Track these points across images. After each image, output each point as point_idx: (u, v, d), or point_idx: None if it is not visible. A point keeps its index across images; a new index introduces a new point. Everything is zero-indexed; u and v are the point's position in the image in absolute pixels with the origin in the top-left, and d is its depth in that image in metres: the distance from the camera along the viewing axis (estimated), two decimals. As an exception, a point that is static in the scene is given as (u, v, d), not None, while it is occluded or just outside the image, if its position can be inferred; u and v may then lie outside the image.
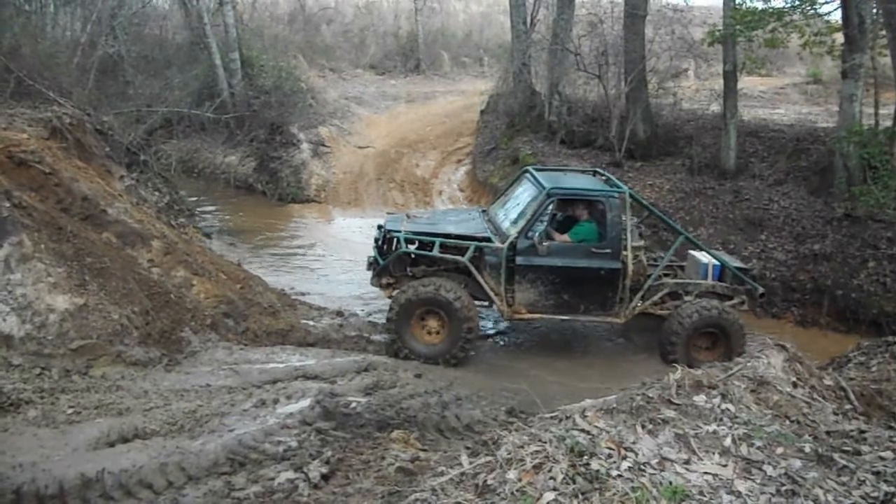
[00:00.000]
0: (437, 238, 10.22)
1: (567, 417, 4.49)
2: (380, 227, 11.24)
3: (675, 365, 8.81)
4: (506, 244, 10.04)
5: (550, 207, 10.61)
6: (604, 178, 11.59)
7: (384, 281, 10.48)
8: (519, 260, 10.12)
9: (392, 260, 10.29)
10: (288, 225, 17.77)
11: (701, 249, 11.30)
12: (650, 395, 4.81)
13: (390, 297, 10.33)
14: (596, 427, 4.28)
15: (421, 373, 9.33)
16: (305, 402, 7.86)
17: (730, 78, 16.65)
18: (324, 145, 22.15)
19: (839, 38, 15.72)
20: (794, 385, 5.47)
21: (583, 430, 4.23)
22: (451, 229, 10.51)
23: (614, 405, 4.70)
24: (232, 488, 6.22)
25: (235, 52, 22.59)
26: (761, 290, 11.14)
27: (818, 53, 17.93)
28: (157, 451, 6.61)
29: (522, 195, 10.92)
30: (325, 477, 6.34)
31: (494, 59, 31.45)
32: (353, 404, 7.89)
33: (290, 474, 6.43)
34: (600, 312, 10.49)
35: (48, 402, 7.35)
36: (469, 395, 8.83)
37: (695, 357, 10.19)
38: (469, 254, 10.04)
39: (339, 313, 11.26)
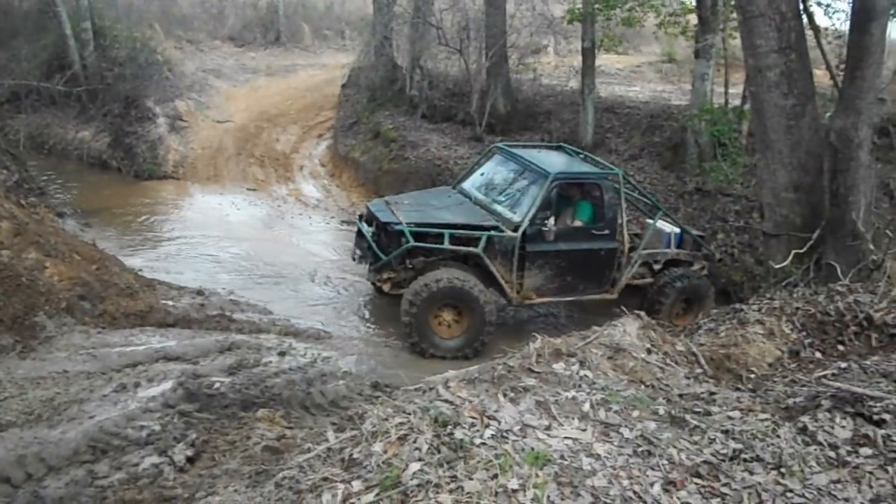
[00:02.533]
0: (444, 230, 10.06)
1: (430, 389, 4.56)
2: (361, 216, 11.26)
3: None
4: (519, 232, 10.12)
5: (555, 192, 10.48)
6: (581, 155, 12.01)
7: (386, 276, 10.30)
8: (529, 247, 10.26)
9: (397, 255, 10.01)
10: (145, 202, 17.23)
11: (669, 220, 11.95)
12: (511, 364, 4.95)
13: (390, 292, 10.37)
14: (459, 397, 4.36)
15: (284, 350, 9.27)
16: (167, 385, 7.72)
17: (588, 55, 17.08)
18: (181, 119, 21.52)
19: (693, 19, 16.34)
20: (649, 351, 5.72)
21: (446, 401, 4.31)
22: (451, 217, 10.43)
23: (476, 375, 4.81)
24: (95, 477, 6.08)
25: (87, 22, 21.59)
26: (717, 255, 12.01)
27: (673, 34, 18.60)
28: (14, 442, 6.38)
29: (511, 176, 11.03)
30: (190, 460, 6.28)
31: (356, 32, 31.19)
32: (217, 384, 7.79)
33: (155, 459, 6.34)
34: (597, 290, 10.91)
35: None
36: (333, 371, 8.86)
37: (673, 323, 10.69)
38: (482, 244, 10.02)
39: (200, 292, 11.02)
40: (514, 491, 3.52)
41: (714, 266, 11.89)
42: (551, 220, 10.24)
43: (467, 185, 11.56)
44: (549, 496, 3.51)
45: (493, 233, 10.14)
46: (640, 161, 15.93)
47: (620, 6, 16.47)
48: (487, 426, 4.05)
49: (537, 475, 3.63)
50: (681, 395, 5.04)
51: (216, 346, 9.06)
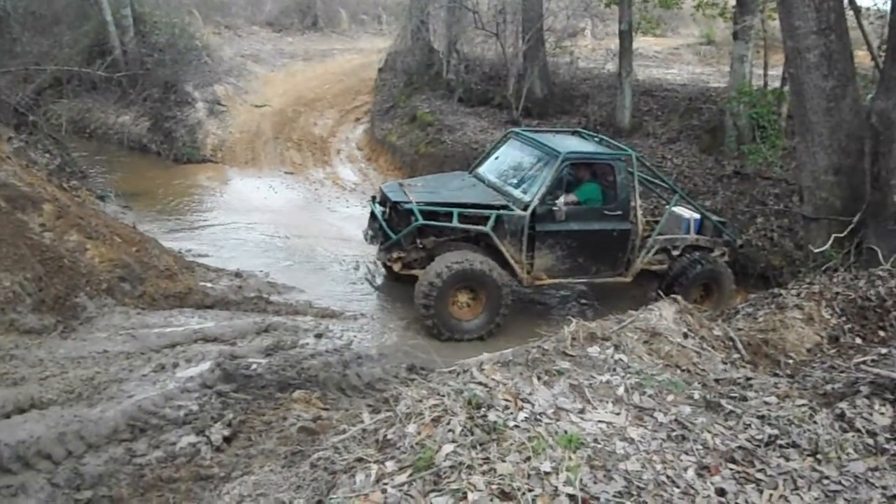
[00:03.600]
0: (454, 208, 9.99)
1: (465, 371, 4.57)
2: (374, 198, 11.18)
3: None
4: (528, 212, 10.00)
5: (566, 172, 10.33)
6: (597, 139, 11.84)
7: (395, 255, 10.16)
8: (539, 226, 10.15)
9: (407, 233, 9.93)
10: (184, 186, 17.39)
11: (689, 204, 11.78)
12: (546, 347, 4.94)
13: (400, 272, 10.27)
14: (493, 380, 4.37)
15: (321, 333, 9.34)
16: (205, 365, 7.82)
17: (625, 38, 16.93)
18: (219, 104, 21.69)
19: (731, 0, 16.13)
20: (685, 336, 5.68)
21: (480, 383, 4.32)
22: (461, 198, 10.34)
23: (511, 358, 4.81)
24: (133, 455, 6.18)
25: (127, 8, 21.82)
26: (740, 241, 11.74)
27: (711, 15, 18.40)
28: (55, 420, 6.50)
29: (524, 159, 10.92)
30: (227, 439, 6.34)
31: (393, 16, 31.22)
32: (254, 366, 7.88)
33: (192, 438, 6.41)
34: (610, 272, 10.79)
35: (-62, 374, 7.14)
36: (369, 353, 8.91)
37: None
38: (491, 223, 9.91)
39: (238, 274, 11.12)
40: (547, 473, 3.52)
41: (735, 252, 11.67)
42: (561, 200, 10.14)
43: (482, 169, 11.48)
44: (581, 479, 3.50)
45: (502, 212, 10.04)
46: (679, 144, 15.78)
47: (658, -12, 16.35)
48: (521, 409, 4.06)
49: (570, 458, 3.63)
50: (717, 380, 5.01)
51: (253, 327, 9.16)
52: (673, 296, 6.40)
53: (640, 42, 20.24)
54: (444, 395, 4.14)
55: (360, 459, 3.78)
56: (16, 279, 8.51)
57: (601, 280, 10.94)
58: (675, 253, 11.09)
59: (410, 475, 3.51)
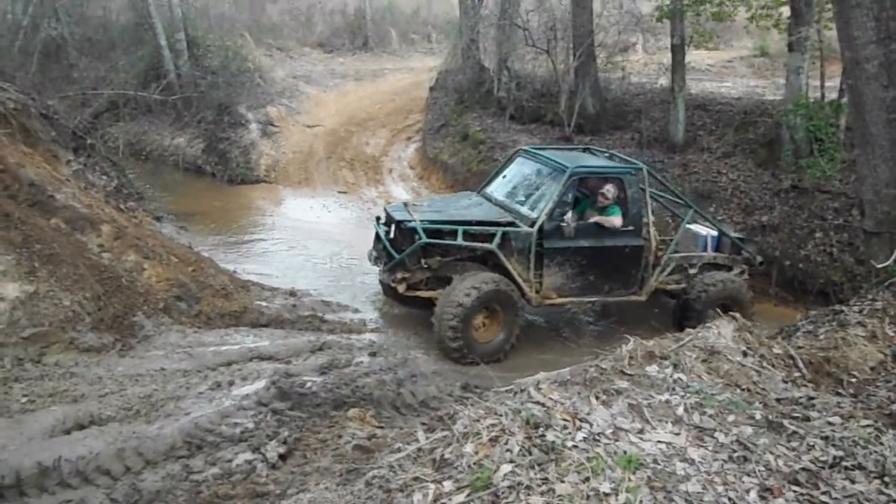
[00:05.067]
0: (458, 226, 9.66)
1: (522, 390, 4.53)
2: (378, 218, 10.89)
3: None
4: (535, 228, 9.71)
5: (574, 187, 10.09)
6: (607, 154, 11.65)
7: (399, 276, 9.83)
8: (547, 243, 9.85)
9: (410, 252, 9.64)
10: (238, 206, 17.61)
11: (707, 221, 11.50)
12: (603, 366, 4.88)
13: (405, 294, 9.96)
14: (551, 399, 4.32)
15: (375, 351, 9.36)
16: (261, 384, 7.87)
17: (677, 52, 16.80)
18: (272, 125, 21.94)
19: (786, 11, 15.92)
20: (745, 354, 5.58)
21: (538, 403, 4.28)
22: (466, 215, 10.08)
23: (568, 377, 4.76)
24: (190, 471, 6.23)
25: (181, 33, 22.25)
26: (760, 258, 11.39)
27: (765, 27, 18.16)
28: (114, 436, 6.59)
29: (532, 176, 10.70)
30: (282, 457, 6.37)
31: (443, 35, 31.38)
32: (309, 384, 7.92)
33: (248, 455, 6.46)
34: (623, 291, 10.45)
35: (1, 392, 7.27)
36: (424, 371, 8.90)
37: None
38: (497, 240, 9.59)
39: (292, 293, 11.20)
40: (607, 494, 3.47)
41: (756, 270, 11.35)
42: (570, 215, 9.85)
43: (490, 188, 11.18)
44: (641, 500, 3.45)
45: (508, 228, 9.76)
46: (734, 159, 15.58)
47: (710, 1, 16.16)
48: (579, 428, 4.01)
49: (630, 479, 3.57)
50: (778, 400, 4.90)
51: (308, 346, 9.21)
52: (729, 313, 6.27)
53: (693, 56, 20.04)
54: (501, 415, 4.11)
55: (416, 479, 3.75)
56: (75, 298, 8.66)
57: (614, 299, 10.62)
58: (692, 271, 10.83)
59: (468, 495, 3.48)
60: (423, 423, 5.07)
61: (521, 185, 10.78)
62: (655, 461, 3.80)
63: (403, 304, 10.80)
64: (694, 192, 14.70)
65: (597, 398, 4.38)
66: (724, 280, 10.64)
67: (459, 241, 9.59)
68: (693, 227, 11.18)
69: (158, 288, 9.71)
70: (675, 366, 4.97)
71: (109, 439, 6.54)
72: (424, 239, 9.45)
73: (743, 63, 26.73)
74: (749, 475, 3.80)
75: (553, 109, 18.40)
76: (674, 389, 4.63)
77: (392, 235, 10.25)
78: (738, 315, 6.18)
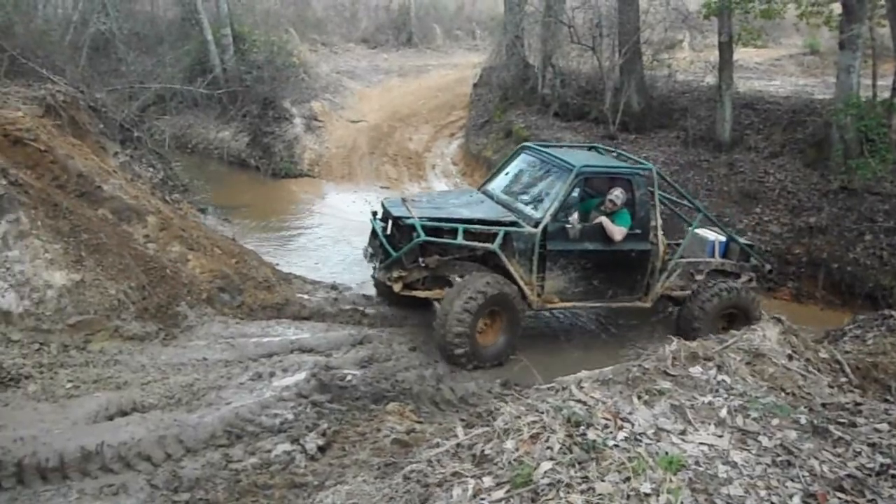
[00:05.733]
0: (458, 224, 9.18)
1: (564, 388, 4.52)
2: (375, 213, 10.36)
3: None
4: (539, 228, 9.26)
5: (580, 187, 9.70)
6: (614, 153, 11.37)
7: (396, 274, 9.34)
8: (550, 245, 9.39)
9: (408, 250, 9.12)
10: (281, 199, 17.72)
11: (715, 226, 11.15)
12: (646, 366, 4.84)
13: (400, 293, 9.47)
14: (592, 398, 4.30)
15: (416, 346, 9.38)
16: (301, 376, 7.95)
17: (725, 49, 16.58)
18: (316, 120, 22.05)
19: (837, 8, 15.63)
20: (790, 358, 5.50)
21: (579, 401, 4.26)
22: (467, 213, 9.60)
23: (610, 376, 4.73)
24: (230, 460, 6.32)
25: (227, 28, 22.40)
26: (769, 266, 11.07)
27: (815, 24, 17.89)
28: (156, 424, 6.70)
29: (536, 174, 10.28)
30: (321, 448, 6.43)
31: (487, 31, 31.27)
32: (349, 377, 7.97)
33: (287, 446, 6.52)
34: (628, 297, 10.03)
35: (47, 377, 7.42)
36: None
37: None
38: (498, 241, 9.11)
39: (334, 287, 11.23)
40: (647, 495, 3.44)
41: (765, 277, 10.98)
42: (575, 217, 9.40)
43: (492, 186, 10.74)
44: (682, 502, 3.41)
45: (511, 228, 9.29)
46: (781, 159, 15.34)
47: (759, -2, 15.95)
48: (621, 428, 3.98)
49: (671, 480, 3.54)
50: (824, 405, 4.82)
51: (349, 339, 9.27)
52: (774, 316, 6.18)
53: (741, 53, 19.72)
54: (542, 412, 4.10)
55: (455, 473, 3.76)
56: (121, 287, 8.78)
57: (618, 305, 10.18)
58: (699, 278, 10.44)
59: (508, 491, 3.47)
60: (462, 420, 5.08)
61: (525, 184, 10.38)
62: (697, 463, 3.77)
63: (395, 303, 10.36)
64: (740, 192, 14.53)
65: (639, 398, 4.35)
66: (733, 287, 10.19)
67: (460, 240, 9.11)
68: (700, 231, 10.86)
69: (202, 279, 9.80)
70: (719, 367, 4.92)
71: (151, 426, 6.65)
72: (423, 236, 8.96)
73: (792, 61, 26.37)
74: (793, 480, 3.75)
75: (598, 107, 18.25)
76: (717, 391, 4.58)
77: (389, 232, 9.84)
78: (782, 318, 6.09)
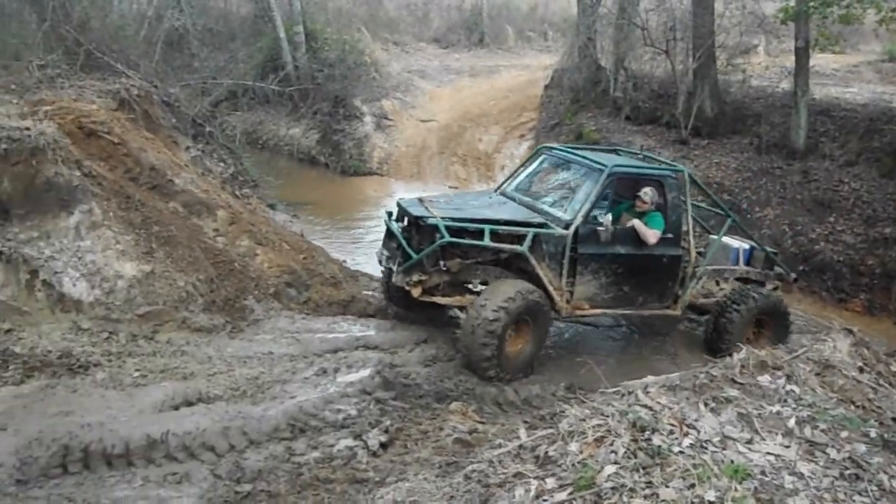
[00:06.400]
0: (485, 225, 8.58)
1: (630, 393, 4.47)
2: (390, 214, 9.61)
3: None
4: (570, 231, 8.73)
5: (611, 188, 9.17)
6: (640, 156, 11.05)
7: (416, 278, 8.69)
8: (581, 248, 8.87)
9: (429, 252, 8.48)
10: (350, 197, 17.88)
11: (745, 234, 10.87)
12: (714, 373, 4.77)
13: (420, 298, 8.81)
14: (658, 403, 4.25)
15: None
16: (366, 372, 7.99)
17: (801, 55, 16.27)
18: (387, 118, 22.21)
19: (920, 13, 15.25)
20: (861, 370, 5.37)
21: (645, 406, 4.22)
22: (491, 214, 8.97)
23: (677, 382, 4.67)
24: (292, 453, 6.38)
25: (300, 26, 22.72)
26: (794, 275, 10.77)
27: (895, 30, 17.43)
28: (220, 415, 6.78)
29: (561, 176, 9.81)
30: (383, 445, 6.46)
31: (559, 33, 31.20)
32: (413, 375, 7.98)
33: (350, 442, 6.56)
34: (658, 304, 9.58)
35: (116, 366, 7.57)
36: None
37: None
38: (527, 242, 8.55)
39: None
40: (711, 503, 3.39)
41: (790, 286, 10.68)
42: (608, 217, 8.88)
43: (510, 188, 10.16)
44: (747, 511, 3.35)
45: (540, 230, 8.72)
46: (857, 168, 15.00)
47: (838, 3, 15.58)
48: (686, 434, 3.93)
49: (736, 489, 3.49)
50: (894, 419, 4.70)
51: (413, 338, 9.27)
52: (845, 327, 6.02)
53: (817, 59, 19.35)
54: (608, 416, 4.07)
55: (518, 474, 3.74)
56: (190, 280, 8.93)
57: (648, 313, 9.67)
58: (724, 285, 10.24)
59: (571, 493, 3.45)
60: (525, 421, 5.05)
61: (549, 185, 9.87)
62: (763, 473, 3.71)
63: (409, 310, 9.72)
64: (813, 201, 14.26)
65: (705, 405, 4.29)
66: (762, 295, 9.87)
67: (487, 241, 8.52)
68: (725, 238, 10.47)
69: (269, 273, 9.92)
70: (788, 377, 4.83)
71: (216, 417, 6.73)
72: (447, 237, 8.32)
73: (870, 68, 25.71)
74: (860, 494, 3.67)
75: (670, 111, 18.05)
76: (785, 401, 4.50)
77: (407, 233, 9.10)
78: (853, 329, 5.94)
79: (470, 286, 8.81)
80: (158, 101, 12.15)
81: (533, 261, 8.62)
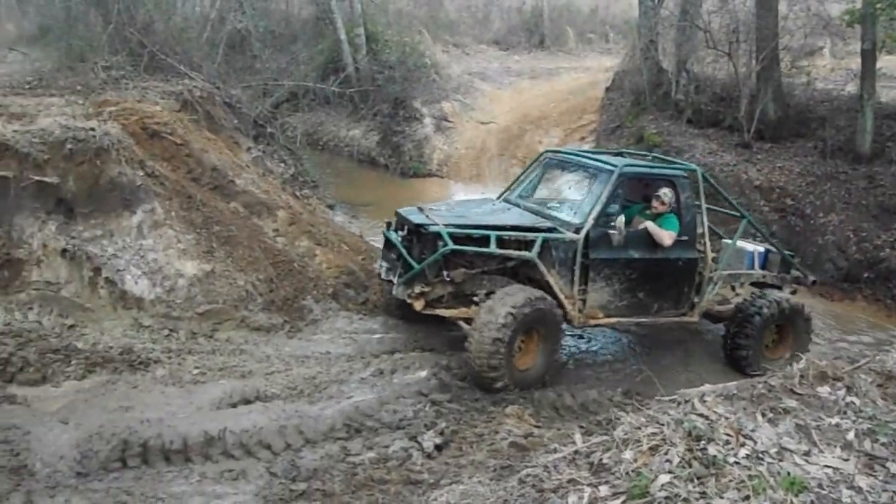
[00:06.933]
0: (490, 231, 8.22)
1: (686, 401, 4.42)
2: (389, 224, 9.38)
3: (748, 369, 8.14)
4: (581, 235, 8.34)
5: (622, 189, 8.78)
6: (649, 156, 10.74)
7: (418, 289, 8.32)
8: (593, 253, 8.45)
9: (432, 261, 8.11)
10: (409, 198, 17.82)
11: (761, 236, 10.61)
12: (772, 383, 4.68)
13: (422, 311, 8.41)
14: (715, 412, 4.20)
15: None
16: (422, 374, 8.04)
17: (868, 57, 15.92)
18: (446, 120, 22.24)
19: None
20: (926, 383, 5.24)
21: (701, 415, 4.16)
22: (495, 221, 8.60)
23: (735, 391, 4.59)
24: (347, 453, 6.44)
25: (360, 28, 22.89)
26: (813, 277, 10.41)
27: (966, 32, 17.01)
28: (277, 413, 6.88)
29: (567, 179, 9.40)
30: (438, 447, 6.47)
31: (620, 35, 30.96)
32: (469, 378, 7.96)
33: (405, 443, 6.60)
34: (674, 311, 9.15)
35: (175, 363, 7.73)
36: (586, 374, 8.82)
37: (764, 356, 9.39)
38: (536, 248, 8.16)
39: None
40: (766, 515, 3.34)
41: (809, 291, 10.26)
42: (621, 219, 8.46)
43: (513, 195, 9.81)
44: (803, 525, 3.30)
45: (549, 235, 8.34)
46: (925, 174, 14.66)
47: (907, 4, 15.24)
48: (742, 445, 3.87)
49: (792, 502, 3.42)
50: (959, 434, 4.58)
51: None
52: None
53: (885, 61, 18.88)
54: (663, 424, 4.02)
55: (572, 481, 3.72)
56: (249, 279, 9.06)
57: (664, 320, 9.21)
58: (739, 290, 9.87)
59: (624, 502, 3.43)
60: (581, 427, 5.01)
61: (555, 190, 9.47)
62: (820, 486, 3.63)
63: (413, 321, 9.28)
64: (879, 207, 13.94)
65: (763, 415, 4.22)
66: (781, 300, 9.42)
67: (492, 248, 8.14)
68: (738, 241, 9.98)
69: (328, 274, 10.00)
70: (849, 388, 4.72)
71: (273, 416, 6.83)
72: (451, 245, 7.97)
73: (940, 71, 25.11)
74: (920, 510, 3.57)
75: (732, 114, 17.78)
76: (845, 413, 4.40)
77: (408, 242, 8.70)
78: None
79: (476, 298, 8.36)
80: (220, 103, 12.33)
81: (542, 268, 8.24)
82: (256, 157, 12.33)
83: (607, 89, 23.25)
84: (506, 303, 7.78)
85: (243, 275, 9.09)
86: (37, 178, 8.45)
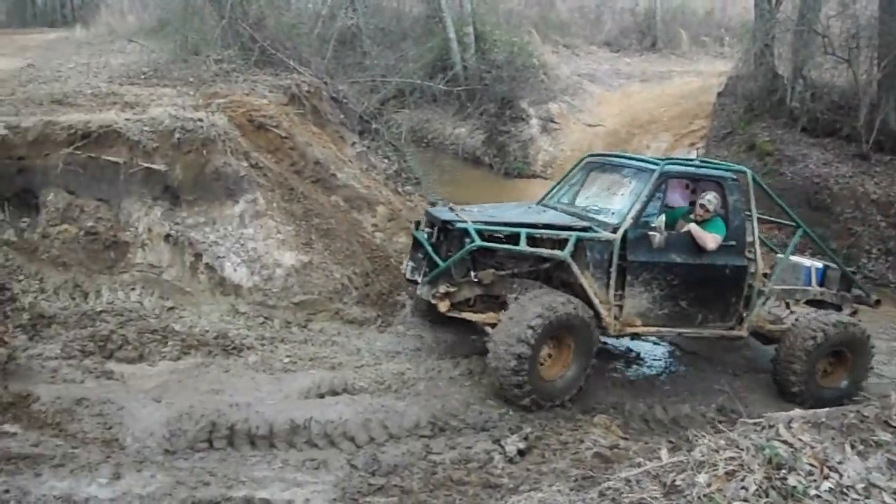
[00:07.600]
0: (520, 228, 7.74)
1: (770, 426, 4.21)
2: (417, 223, 8.88)
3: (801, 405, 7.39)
4: (618, 235, 7.77)
5: (664, 190, 8.27)
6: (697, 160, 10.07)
7: (443, 289, 7.81)
8: (631, 255, 7.87)
9: (458, 259, 7.66)
10: (512, 198, 17.72)
11: (820, 250, 9.84)
12: (865, 413, 4.41)
13: (447, 313, 7.90)
14: (800, 440, 3.99)
15: (632, 359, 9.25)
16: (511, 378, 7.92)
17: None
18: (553, 121, 22.07)
19: None
20: None
21: (784, 442, 3.97)
22: (529, 220, 8.08)
23: (823, 419, 4.35)
24: (429, 451, 6.43)
25: (470, 27, 22.90)
26: (875, 297, 9.56)
27: None
28: (363, 406, 6.93)
29: (608, 181, 8.81)
30: (521, 452, 6.42)
31: (735, 39, 30.14)
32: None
33: (487, 445, 6.56)
34: (720, 323, 8.41)
35: (268, 350, 7.88)
36: (681, 388, 8.57)
37: (818, 384, 8.47)
38: (569, 248, 7.61)
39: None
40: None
41: (872, 311, 9.33)
42: (661, 219, 7.83)
43: (553, 200, 9.25)
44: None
45: (583, 234, 7.78)
46: None
47: None
48: (826, 477, 3.67)
49: (875, 543, 3.24)
50: None
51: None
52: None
53: None
54: (742, 449, 3.86)
55: (643, 500, 3.61)
56: (345, 272, 9.16)
57: (709, 333, 8.46)
58: (795, 308, 8.91)
59: (693, 527, 3.31)
60: (670, 441, 4.88)
61: (595, 194, 8.81)
62: (909, 527, 3.43)
63: (439, 324, 8.94)
64: None
65: (852, 447, 3.99)
66: (840, 321, 8.43)
67: (522, 246, 7.61)
68: (793, 256, 9.31)
69: (423, 271, 10.04)
70: (952, 422, 4.46)
71: (359, 408, 6.87)
72: (478, 242, 7.49)
73: None
74: None
75: (850, 123, 17.12)
76: (944, 451, 4.15)
77: (435, 240, 8.24)
78: None
79: (505, 302, 7.90)
80: (327, 98, 12.49)
81: (576, 269, 7.68)
82: (360, 153, 12.43)
83: (719, 94, 22.67)
84: (530, 308, 7.31)
85: (340, 268, 9.20)
86: (146, 165, 8.75)
